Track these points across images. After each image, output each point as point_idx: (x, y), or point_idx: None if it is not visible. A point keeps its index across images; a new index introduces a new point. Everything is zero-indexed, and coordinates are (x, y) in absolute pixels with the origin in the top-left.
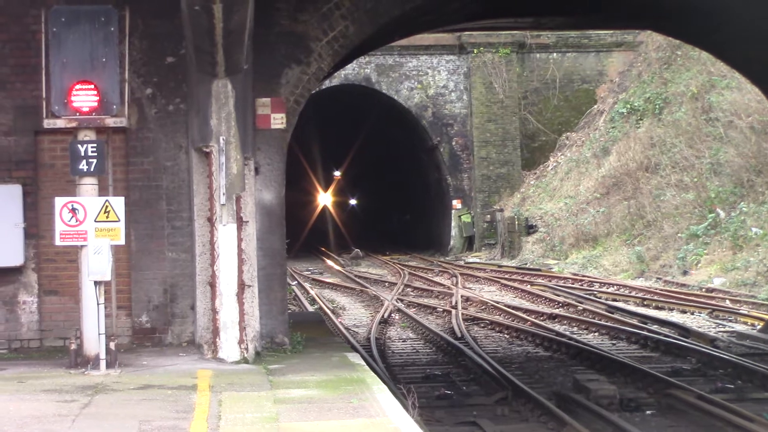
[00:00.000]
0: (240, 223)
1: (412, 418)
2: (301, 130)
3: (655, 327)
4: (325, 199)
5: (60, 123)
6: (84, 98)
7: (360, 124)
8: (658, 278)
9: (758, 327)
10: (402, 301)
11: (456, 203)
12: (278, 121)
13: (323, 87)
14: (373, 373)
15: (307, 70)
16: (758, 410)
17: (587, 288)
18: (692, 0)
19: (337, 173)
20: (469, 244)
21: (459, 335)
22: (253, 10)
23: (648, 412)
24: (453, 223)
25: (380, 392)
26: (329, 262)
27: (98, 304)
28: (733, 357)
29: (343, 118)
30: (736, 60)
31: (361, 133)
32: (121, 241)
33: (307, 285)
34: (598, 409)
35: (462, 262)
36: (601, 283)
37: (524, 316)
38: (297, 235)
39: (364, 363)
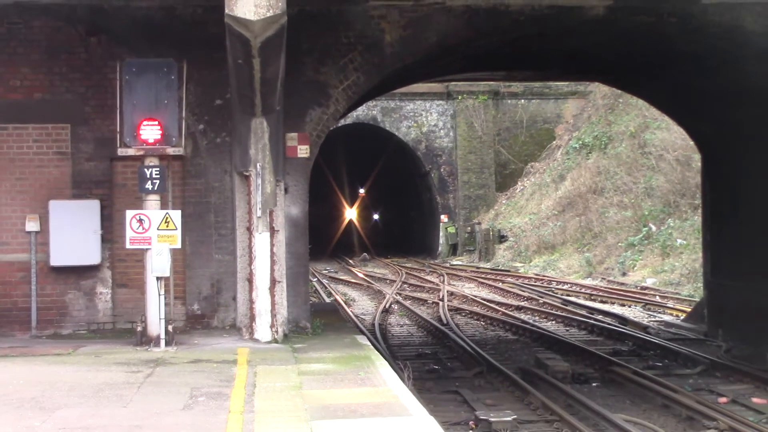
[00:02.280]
0: (272, 231)
1: (408, 387)
2: (331, 156)
3: (600, 317)
4: (351, 213)
5: (131, 151)
6: (150, 132)
7: (375, 153)
8: (602, 278)
9: (681, 317)
10: (400, 294)
11: (443, 218)
12: (303, 151)
13: (339, 124)
14: (377, 352)
15: (326, 111)
16: (681, 384)
17: (547, 285)
18: (629, 59)
19: (362, 191)
20: (453, 250)
21: (445, 322)
22: (285, 63)
23: (594, 384)
24: (441, 233)
25: (382, 367)
26: (343, 264)
27: (159, 295)
28: (662, 341)
29: (362, 148)
30: (665, 106)
31: (377, 160)
32: (178, 246)
33: (324, 281)
34: (555, 381)
35: (448, 264)
36: (557, 281)
37: (496, 307)
38: (327, 244)
39: (369, 344)
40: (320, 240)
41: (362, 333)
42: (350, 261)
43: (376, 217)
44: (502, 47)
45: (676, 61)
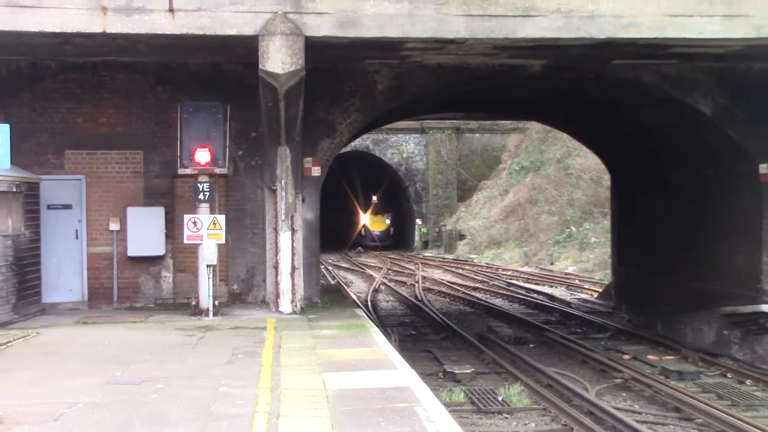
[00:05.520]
0: (293, 231)
1: (395, 348)
2: (347, 172)
3: (534, 295)
4: (365, 218)
5: (187, 171)
6: (202, 156)
7: (373, 174)
8: (536, 266)
9: (595, 296)
10: (386, 278)
11: (418, 221)
12: (316, 171)
13: (343, 151)
14: (370, 321)
15: (333, 141)
16: (595, 345)
17: (494, 272)
18: (558, 104)
19: (375, 198)
20: (425, 245)
21: (420, 299)
22: (303, 106)
23: (531, 345)
24: (416, 233)
25: (375, 333)
26: (344, 255)
27: (209, 278)
28: (581, 313)
29: (362, 169)
30: (584, 139)
31: (378, 179)
32: (223, 241)
33: (330, 268)
34: (502, 343)
35: (421, 256)
36: (503, 269)
37: (457, 288)
38: (345, 243)
39: (365, 315)
40: (339, 240)
41: (359, 307)
42: (349, 253)
43: (387, 221)
44: (465, 95)
45: (592, 106)
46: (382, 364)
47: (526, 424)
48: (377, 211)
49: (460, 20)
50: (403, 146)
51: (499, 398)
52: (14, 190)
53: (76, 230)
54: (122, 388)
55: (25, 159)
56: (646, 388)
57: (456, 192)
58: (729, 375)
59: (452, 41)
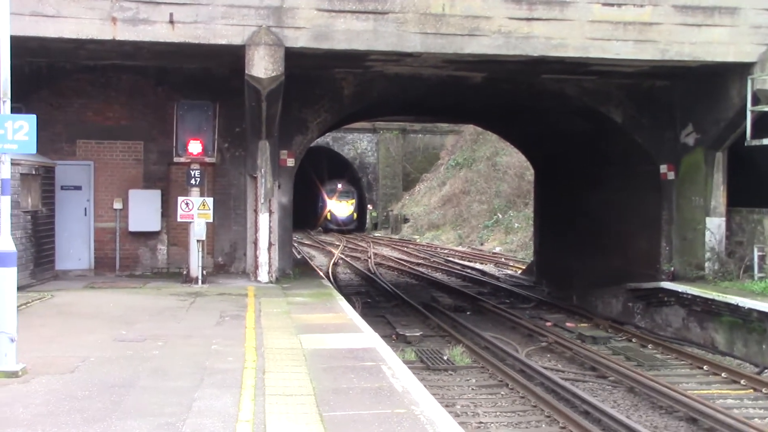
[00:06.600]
0: (270, 213)
1: (358, 314)
2: (313, 164)
3: (468, 270)
4: (330, 204)
5: (181, 159)
6: (194, 147)
7: (335, 166)
8: (469, 246)
9: (519, 272)
10: (343, 254)
11: (370, 207)
12: (290, 162)
13: (311, 146)
14: (335, 290)
15: (305, 137)
16: (522, 313)
17: (434, 250)
18: (493, 110)
19: (339, 186)
20: (375, 226)
21: (373, 272)
22: (281, 106)
23: (468, 313)
24: (368, 216)
25: (340, 300)
26: (307, 233)
27: (198, 251)
28: (507, 286)
29: (327, 162)
30: (511, 139)
31: (341, 170)
32: (210, 220)
33: (295, 244)
34: (444, 310)
35: (372, 236)
36: (441, 248)
37: (404, 263)
38: (314, 225)
39: (331, 285)
40: (307, 222)
41: (325, 277)
42: (311, 233)
43: (352, 207)
44: (416, 101)
45: (523, 112)
46: (349, 328)
47: (468, 380)
48: (341, 197)
49: (417, 37)
50: (357, 143)
51: (445, 357)
52: (33, 172)
53: (85, 208)
54: (128, 344)
55: (43, 146)
56: (567, 351)
57: (401, 183)
58: (634, 340)
59: (409, 54)
